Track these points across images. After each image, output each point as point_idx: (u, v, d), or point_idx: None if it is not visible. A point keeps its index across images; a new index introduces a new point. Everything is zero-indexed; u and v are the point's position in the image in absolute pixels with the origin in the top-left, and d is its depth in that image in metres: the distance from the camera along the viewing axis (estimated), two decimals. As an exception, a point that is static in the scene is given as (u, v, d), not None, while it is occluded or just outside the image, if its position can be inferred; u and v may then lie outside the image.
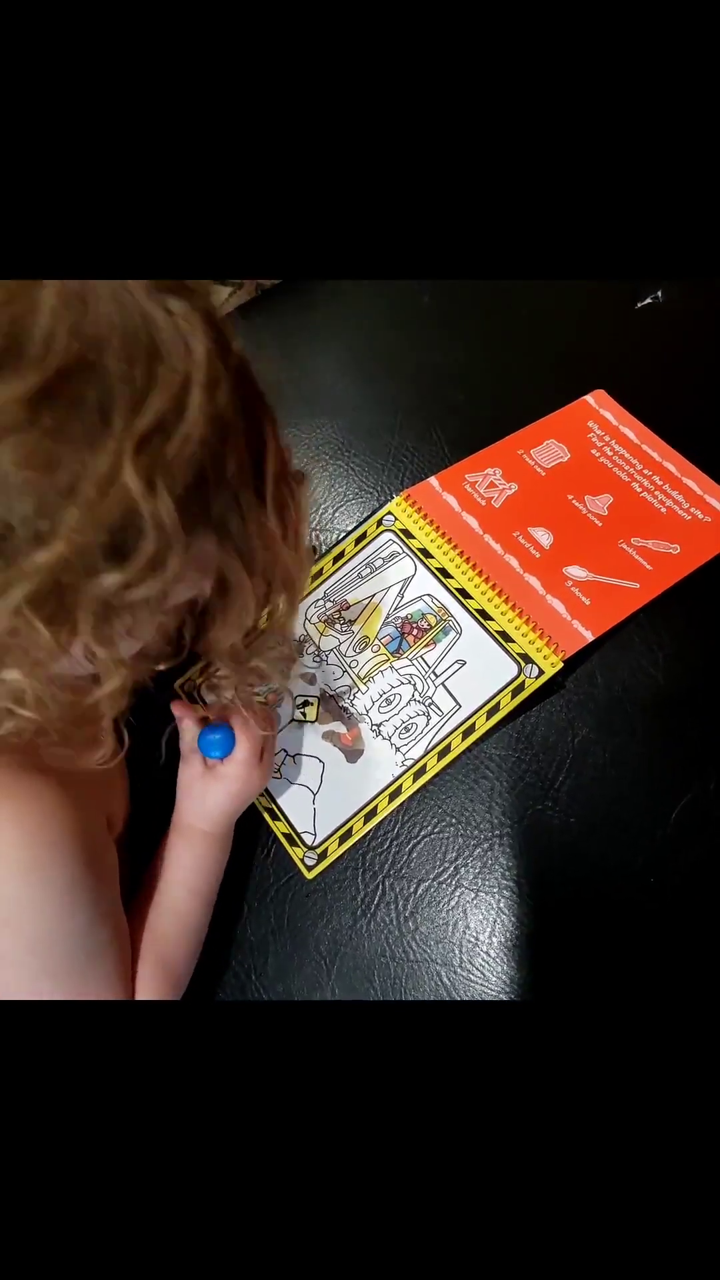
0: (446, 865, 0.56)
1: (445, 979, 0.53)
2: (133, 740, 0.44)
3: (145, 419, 0.31)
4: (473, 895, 0.55)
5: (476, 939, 0.54)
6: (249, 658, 0.49)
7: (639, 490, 0.66)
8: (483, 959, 0.53)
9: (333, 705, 0.62)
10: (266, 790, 0.59)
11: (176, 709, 0.56)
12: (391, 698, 0.61)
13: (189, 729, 0.56)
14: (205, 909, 0.54)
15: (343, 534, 0.68)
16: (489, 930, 0.54)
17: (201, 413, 0.32)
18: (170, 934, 0.52)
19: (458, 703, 0.59)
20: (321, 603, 0.66)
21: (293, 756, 0.61)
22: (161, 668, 0.61)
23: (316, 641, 0.64)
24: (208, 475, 0.33)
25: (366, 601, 0.64)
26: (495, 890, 0.55)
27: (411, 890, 0.55)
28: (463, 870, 0.55)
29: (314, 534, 0.69)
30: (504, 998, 0.52)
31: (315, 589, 0.66)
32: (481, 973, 0.53)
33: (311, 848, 0.57)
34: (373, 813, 0.57)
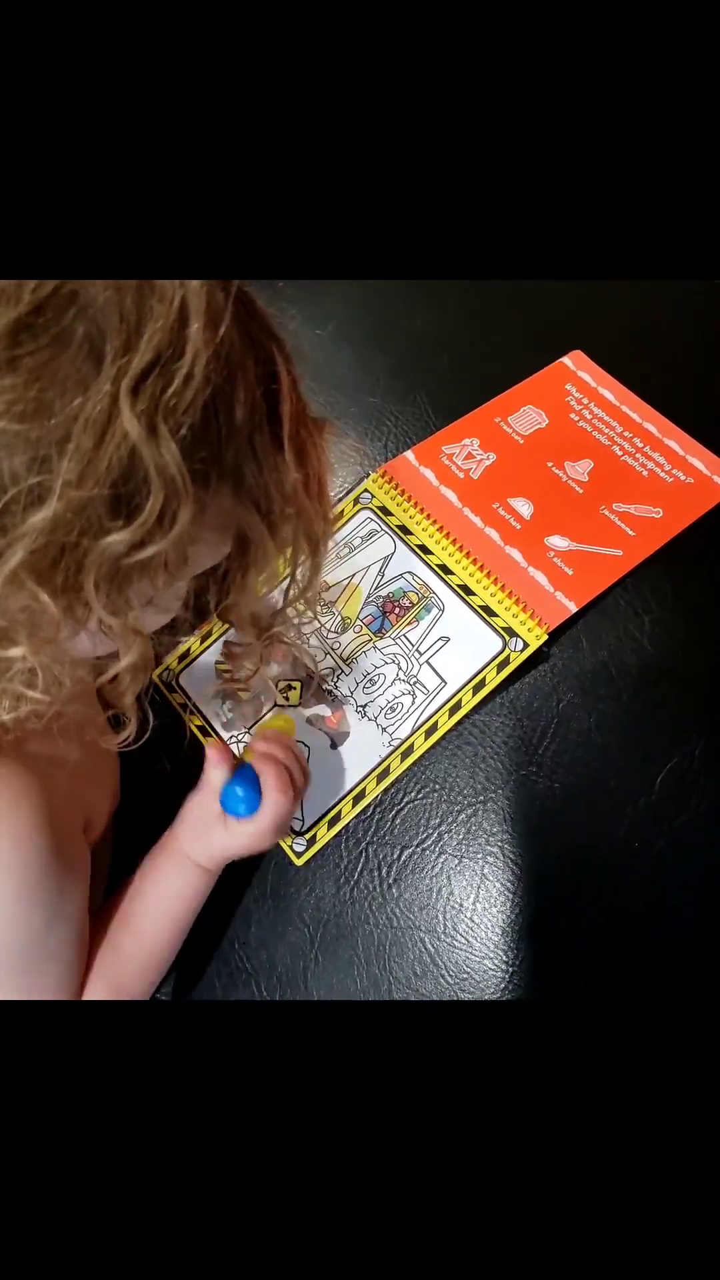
0: (430, 831, 0.56)
1: (429, 945, 0.53)
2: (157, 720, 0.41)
3: (141, 354, 0.27)
4: (456, 861, 0.55)
5: (460, 905, 0.54)
6: (272, 625, 0.46)
7: (620, 454, 0.65)
8: (466, 925, 0.54)
9: (316, 688, 0.62)
10: None
11: (212, 751, 0.50)
12: (376, 678, 0.61)
13: (216, 772, 0.49)
14: (177, 938, 0.50)
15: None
16: (473, 896, 0.54)
17: (203, 346, 0.28)
18: (132, 957, 0.48)
19: (443, 680, 0.59)
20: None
21: None
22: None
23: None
24: (216, 418, 0.30)
25: (346, 581, 0.65)
26: (479, 856, 0.55)
27: (395, 857, 0.56)
28: (446, 836, 0.56)
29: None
30: (487, 964, 0.52)
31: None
32: (465, 939, 0.53)
33: (300, 834, 0.56)
34: (361, 795, 0.57)
